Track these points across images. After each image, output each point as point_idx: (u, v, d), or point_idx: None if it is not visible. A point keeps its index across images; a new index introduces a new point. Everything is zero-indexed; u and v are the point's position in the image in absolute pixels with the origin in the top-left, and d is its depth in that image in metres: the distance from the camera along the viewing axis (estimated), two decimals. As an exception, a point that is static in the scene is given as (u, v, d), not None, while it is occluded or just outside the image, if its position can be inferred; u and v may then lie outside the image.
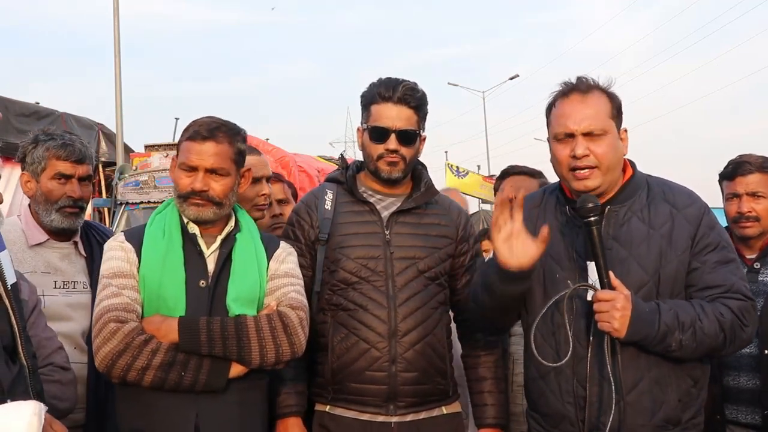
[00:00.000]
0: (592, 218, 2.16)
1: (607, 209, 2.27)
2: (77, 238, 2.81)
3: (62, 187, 2.73)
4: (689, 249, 2.23)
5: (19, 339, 1.72)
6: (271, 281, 2.39)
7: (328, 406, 2.60)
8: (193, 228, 2.34)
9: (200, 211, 2.33)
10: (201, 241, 2.34)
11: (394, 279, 2.57)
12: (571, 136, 2.24)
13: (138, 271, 2.26)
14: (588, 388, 2.22)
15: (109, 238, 2.81)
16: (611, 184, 2.28)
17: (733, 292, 2.20)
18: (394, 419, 2.55)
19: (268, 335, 2.24)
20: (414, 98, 2.60)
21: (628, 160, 2.38)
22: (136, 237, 2.33)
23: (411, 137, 2.60)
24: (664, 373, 2.22)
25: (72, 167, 2.75)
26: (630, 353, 2.17)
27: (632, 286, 2.17)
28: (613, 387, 2.11)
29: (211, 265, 2.32)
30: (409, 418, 2.57)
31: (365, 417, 2.55)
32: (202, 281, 2.28)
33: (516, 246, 2.17)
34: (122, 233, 2.39)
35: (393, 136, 2.57)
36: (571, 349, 2.16)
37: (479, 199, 17.88)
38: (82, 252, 2.80)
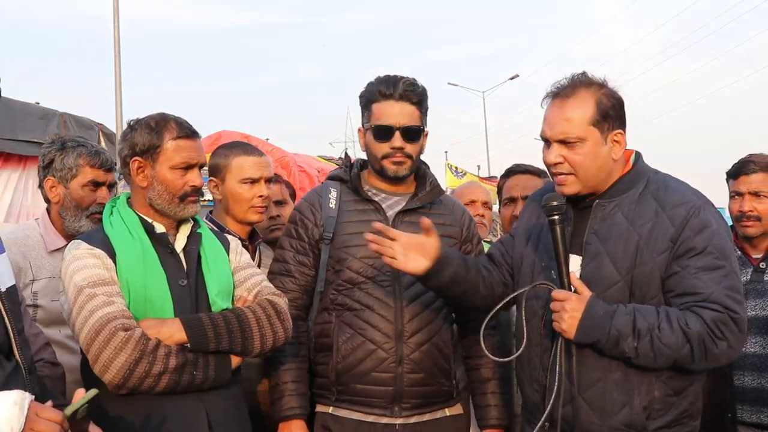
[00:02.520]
0: (556, 216, 2.17)
1: (595, 203, 2.24)
2: None
3: (93, 194, 2.79)
4: (669, 251, 2.12)
5: (14, 340, 1.71)
6: (236, 273, 2.41)
7: (331, 408, 2.58)
8: (160, 227, 2.31)
9: (196, 207, 2.34)
10: (171, 240, 2.32)
11: (400, 279, 2.55)
12: (548, 141, 2.23)
13: (117, 276, 2.18)
14: (549, 379, 2.22)
15: None
16: (596, 187, 2.23)
17: (710, 301, 2.05)
18: (399, 421, 2.54)
19: (266, 323, 2.27)
20: (415, 94, 2.59)
21: (634, 153, 2.32)
22: (99, 241, 2.23)
23: (415, 133, 2.60)
24: (630, 377, 2.13)
25: (104, 175, 2.83)
26: (593, 352, 2.14)
27: (603, 284, 2.16)
28: (567, 382, 2.13)
29: (184, 263, 2.30)
30: (413, 419, 2.56)
31: (370, 419, 2.53)
32: (182, 279, 2.27)
33: (410, 257, 2.31)
34: (80, 240, 2.26)
35: (397, 134, 2.56)
36: (524, 342, 2.17)
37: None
38: None
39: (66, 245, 2.73)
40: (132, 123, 2.34)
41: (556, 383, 2.11)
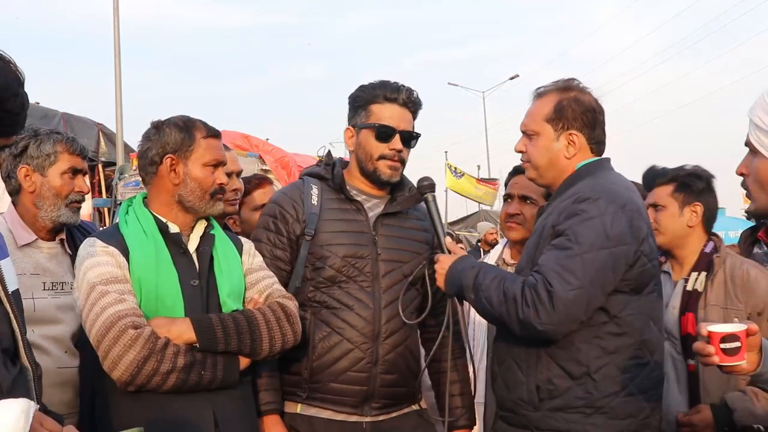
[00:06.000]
0: (427, 194, 2.59)
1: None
2: (63, 236, 2.73)
3: (72, 182, 2.69)
4: (551, 237, 2.28)
5: (21, 343, 1.71)
6: (249, 275, 2.43)
7: (299, 406, 2.56)
8: (174, 227, 2.33)
9: (222, 205, 2.40)
10: (185, 240, 2.34)
11: (379, 281, 2.58)
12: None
13: (129, 274, 2.21)
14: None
15: (94, 230, 2.79)
16: (551, 181, 2.46)
17: (536, 271, 2.20)
18: (367, 419, 2.56)
19: (275, 326, 2.29)
20: (413, 103, 2.65)
21: (596, 160, 2.43)
22: (114, 240, 2.27)
23: (413, 140, 2.66)
24: (529, 355, 2.31)
25: (81, 162, 2.75)
26: (502, 331, 2.40)
27: (518, 272, 2.46)
28: (491, 358, 2.54)
29: (196, 263, 2.33)
30: (381, 417, 2.58)
31: (339, 417, 2.54)
32: (193, 280, 2.29)
33: None
34: (95, 237, 2.30)
35: (398, 137, 2.59)
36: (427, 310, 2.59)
37: (477, 202, 17.77)
38: (68, 250, 2.72)
39: (36, 239, 2.67)
40: (157, 123, 2.37)
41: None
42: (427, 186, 2.58)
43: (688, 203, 2.86)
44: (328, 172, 2.69)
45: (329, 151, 2.88)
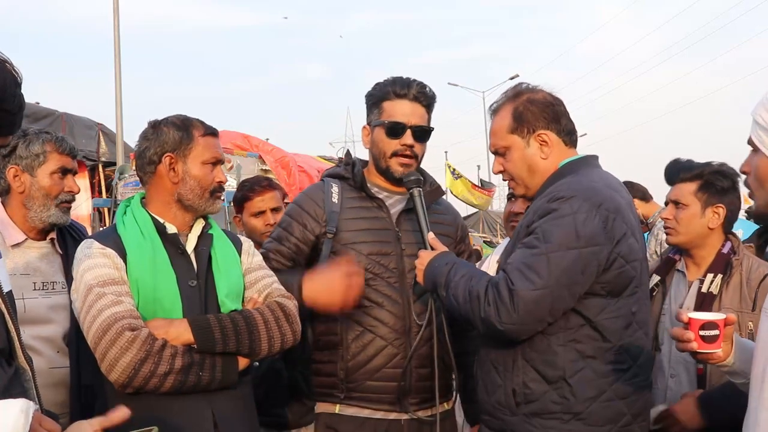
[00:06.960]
0: (414, 189, 2.58)
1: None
2: (53, 236, 2.71)
3: (61, 182, 2.68)
4: (525, 237, 2.25)
5: (17, 343, 1.71)
6: (248, 275, 2.42)
7: (337, 407, 2.58)
8: (172, 228, 2.32)
9: (221, 203, 2.38)
10: (182, 240, 2.33)
11: (405, 276, 2.59)
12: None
13: (127, 276, 2.20)
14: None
15: (83, 233, 2.79)
16: (537, 187, 2.36)
17: (503, 270, 2.19)
18: (405, 417, 2.57)
19: (274, 326, 2.28)
20: (426, 97, 2.65)
21: (575, 157, 2.37)
22: (111, 241, 2.25)
23: (426, 134, 2.66)
24: (506, 358, 2.25)
25: (71, 162, 2.73)
26: (483, 334, 2.32)
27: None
28: (476, 362, 2.47)
29: (194, 264, 2.32)
30: (419, 414, 2.59)
31: (378, 415, 2.55)
32: (191, 280, 2.28)
33: None
34: (92, 239, 2.29)
35: (409, 132, 2.61)
36: (427, 314, 2.58)
37: (469, 205, 17.66)
38: (59, 250, 2.71)
39: (26, 239, 2.64)
40: (154, 123, 2.37)
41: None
42: (413, 181, 2.57)
43: (710, 204, 2.76)
44: (348, 172, 2.72)
45: (348, 150, 2.93)
